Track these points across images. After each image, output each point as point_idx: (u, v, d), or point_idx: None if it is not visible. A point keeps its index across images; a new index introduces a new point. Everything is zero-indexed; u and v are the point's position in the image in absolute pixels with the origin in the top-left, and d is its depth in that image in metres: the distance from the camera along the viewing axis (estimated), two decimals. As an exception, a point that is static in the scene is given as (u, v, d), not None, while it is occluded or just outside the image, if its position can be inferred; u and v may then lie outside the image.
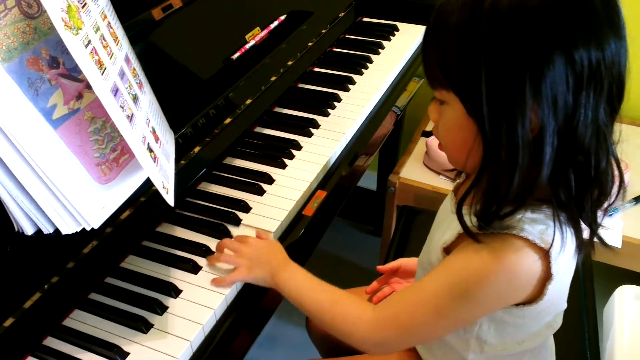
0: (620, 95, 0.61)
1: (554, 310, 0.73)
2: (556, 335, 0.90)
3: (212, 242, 0.87)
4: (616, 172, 0.65)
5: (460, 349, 0.77)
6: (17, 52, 0.61)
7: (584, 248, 0.66)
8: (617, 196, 0.66)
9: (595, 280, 1.16)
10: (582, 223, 0.65)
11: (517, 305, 0.68)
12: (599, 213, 0.66)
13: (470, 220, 0.65)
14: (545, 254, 0.62)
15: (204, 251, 0.85)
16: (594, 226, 0.66)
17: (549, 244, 0.61)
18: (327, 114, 1.17)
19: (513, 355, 0.76)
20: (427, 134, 1.66)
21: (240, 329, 0.80)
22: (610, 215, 1.41)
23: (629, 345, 0.98)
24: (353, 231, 1.98)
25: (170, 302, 0.79)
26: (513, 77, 0.57)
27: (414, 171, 1.56)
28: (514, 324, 0.71)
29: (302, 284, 0.80)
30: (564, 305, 0.77)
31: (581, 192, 0.62)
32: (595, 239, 0.69)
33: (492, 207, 0.62)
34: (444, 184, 1.49)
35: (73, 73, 0.67)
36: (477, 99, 0.60)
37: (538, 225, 0.62)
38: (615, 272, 1.42)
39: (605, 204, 0.66)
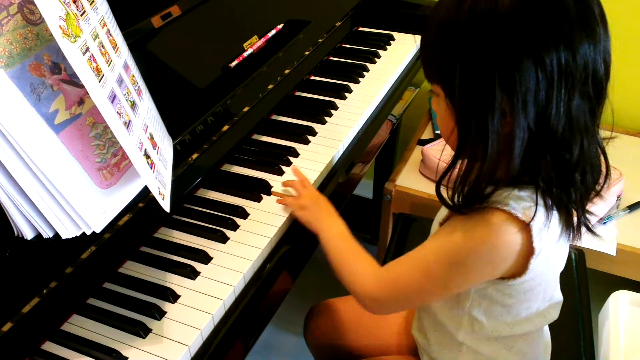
0: (598, 91, 0.64)
1: (542, 294, 0.76)
2: (552, 341, 0.91)
3: (209, 248, 0.88)
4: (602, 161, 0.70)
5: (452, 329, 0.80)
6: (20, 57, 0.62)
7: (574, 234, 0.71)
8: (603, 185, 0.71)
9: (589, 287, 1.17)
10: (571, 210, 0.69)
11: (503, 279, 0.71)
12: (595, 201, 0.71)
13: (449, 198, 0.70)
14: (525, 227, 0.65)
15: (202, 256, 0.86)
16: (579, 212, 0.70)
17: (530, 218, 0.65)
18: (324, 122, 1.18)
19: (504, 338, 0.79)
20: (423, 143, 1.67)
21: (237, 334, 0.81)
22: (605, 223, 1.42)
23: (624, 350, 0.99)
24: (349, 239, 1.99)
25: (168, 307, 0.79)
26: (484, 76, 0.62)
27: (409, 179, 1.57)
28: (503, 303, 0.74)
29: (333, 235, 0.88)
30: (558, 296, 0.81)
31: (562, 179, 0.66)
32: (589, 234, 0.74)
33: (465, 191, 0.68)
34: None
35: (74, 79, 0.68)
36: (453, 93, 0.65)
37: (523, 202, 0.66)
38: (610, 279, 1.43)
39: (602, 189, 0.71)
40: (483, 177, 0.65)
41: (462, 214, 0.69)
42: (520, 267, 0.69)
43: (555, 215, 0.67)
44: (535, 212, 0.65)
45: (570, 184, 0.67)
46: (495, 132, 0.63)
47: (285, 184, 0.99)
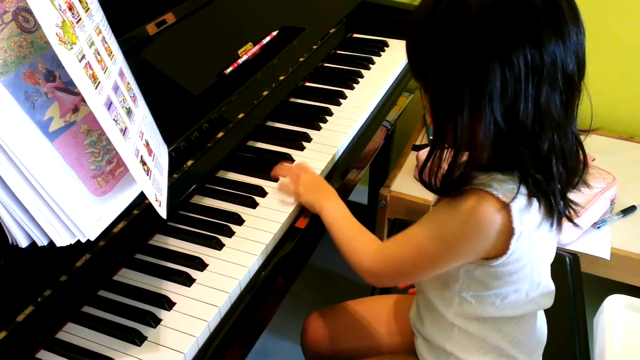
0: (570, 85, 0.67)
1: (528, 278, 0.78)
2: (547, 346, 0.91)
3: (205, 255, 0.87)
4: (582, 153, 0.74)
5: (443, 309, 0.84)
6: (14, 65, 0.62)
7: (554, 222, 0.73)
8: (582, 174, 0.74)
9: (584, 291, 1.18)
10: (551, 198, 0.71)
11: (488, 259, 0.74)
12: (583, 190, 0.76)
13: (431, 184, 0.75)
14: (505, 206, 0.68)
15: (198, 263, 0.85)
16: (558, 201, 0.72)
17: (510, 199, 0.68)
18: (319, 128, 1.18)
19: (493, 320, 0.82)
20: (417, 148, 1.67)
21: (233, 341, 0.80)
22: (599, 227, 1.42)
23: (619, 354, 0.99)
24: (344, 245, 1.99)
25: (164, 314, 0.79)
26: (454, 75, 0.66)
27: (404, 184, 1.57)
28: (489, 284, 0.78)
29: (337, 216, 0.92)
30: (549, 285, 0.84)
31: (538, 168, 0.69)
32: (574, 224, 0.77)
33: (439, 176, 0.73)
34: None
35: (69, 86, 0.68)
36: (427, 89, 0.71)
37: (506, 185, 0.69)
38: (604, 283, 1.43)
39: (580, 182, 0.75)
40: (453, 164, 0.70)
41: (450, 196, 0.73)
42: (502, 248, 0.72)
43: (535, 201, 0.71)
44: (517, 194, 0.68)
45: (546, 174, 0.70)
46: (465, 127, 0.67)
47: (280, 168, 1.01)
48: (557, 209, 0.72)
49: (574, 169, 0.73)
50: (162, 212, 0.74)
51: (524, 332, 0.85)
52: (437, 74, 0.68)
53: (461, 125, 0.67)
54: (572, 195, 0.76)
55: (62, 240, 0.65)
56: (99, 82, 0.67)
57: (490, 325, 0.83)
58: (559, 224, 0.74)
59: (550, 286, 0.84)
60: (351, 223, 0.91)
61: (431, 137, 1.69)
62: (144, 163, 0.73)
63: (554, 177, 0.70)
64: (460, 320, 0.83)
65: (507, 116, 0.66)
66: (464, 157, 0.71)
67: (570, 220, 0.75)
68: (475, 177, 0.71)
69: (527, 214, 0.70)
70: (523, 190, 0.69)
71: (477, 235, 0.71)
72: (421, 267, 0.79)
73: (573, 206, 0.76)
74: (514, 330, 0.83)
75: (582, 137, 0.73)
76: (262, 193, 1.00)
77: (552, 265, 0.86)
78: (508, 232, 0.70)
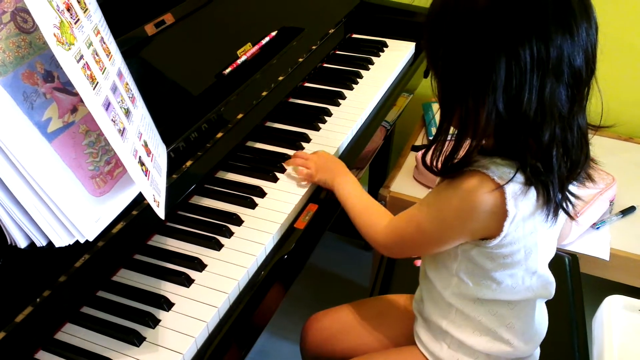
0: (577, 80, 0.68)
1: (523, 264, 0.80)
2: (546, 346, 0.91)
3: (204, 255, 0.87)
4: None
5: (441, 288, 0.87)
6: (12, 66, 0.62)
7: (550, 213, 0.74)
8: (583, 166, 0.75)
9: (583, 292, 1.18)
10: (549, 187, 0.72)
11: (483, 240, 0.77)
12: (588, 185, 0.78)
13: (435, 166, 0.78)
14: (499, 188, 0.71)
15: (197, 264, 0.85)
16: (556, 191, 0.73)
17: (505, 182, 0.70)
18: (318, 129, 1.18)
19: (489, 302, 0.84)
20: (417, 149, 1.67)
21: (232, 342, 0.80)
22: (598, 228, 1.42)
23: (617, 354, 0.99)
24: (344, 246, 1.99)
25: (162, 315, 0.79)
26: (461, 68, 0.69)
27: (404, 185, 1.57)
28: (484, 266, 0.80)
29: (350, 191, 0.98)
30: (547, 275, 0.85)
31: (538, 158, 0.71)
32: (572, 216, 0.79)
33: (441, 158, 0.76)
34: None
35: (68, 87, 0.68)
36: (437, 76, 0.74)
37: (504, 168, 0.71)
38: (603, 284, 1.43)
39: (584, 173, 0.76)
40: (456, 149, 0.74)
41: (449, 177, 0.76)
42: (496, 229, 0.74)
43: (533, 189, 0.72)
44: (512, 178, 0.70)
45: (546, 164, 0.71)
46: (469, 114, 0.70)
47: (294, 156, 1.06)
48: (554, 199, 0.73)
49: (577, 162, 0.73)
50: (161, 212, 0.74)
51: (520, 318, 0.86)
52: (445, 62, 0.71)
53: (465, 112, 0.70)
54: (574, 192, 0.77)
55: (61, 240, 0.65)
56: (97, 82, 0.67)
57: (486, 308, 0.84)
58: (555, 215, 0.75)
59: (549, 277, 0.86)
60: (363, 197, 0.96)
61: (430, 138, 1.70)
62: (142, 164, 0.73)
63: (553, 168, 0.71)
64: (457, 300, 0.85)
65: (510, 106, 0.67)
66: (467, 143, 0.74)
67: (567, 213, 0.76)
68: (475, 160, 0.73)
69: (521, 200, 0.72)
70: (520, 177, 0.71)
71: (472, 215, 0.74)
72: (422, 243, 0.84)
73: (573, 200, 0.76)
74: (510, 315, 0.85)
75: (591, 134, 0.74)
76: (261, 194, 1.00)
77: (551, 265, 0.86)
78: (502, 214, 0.72)
